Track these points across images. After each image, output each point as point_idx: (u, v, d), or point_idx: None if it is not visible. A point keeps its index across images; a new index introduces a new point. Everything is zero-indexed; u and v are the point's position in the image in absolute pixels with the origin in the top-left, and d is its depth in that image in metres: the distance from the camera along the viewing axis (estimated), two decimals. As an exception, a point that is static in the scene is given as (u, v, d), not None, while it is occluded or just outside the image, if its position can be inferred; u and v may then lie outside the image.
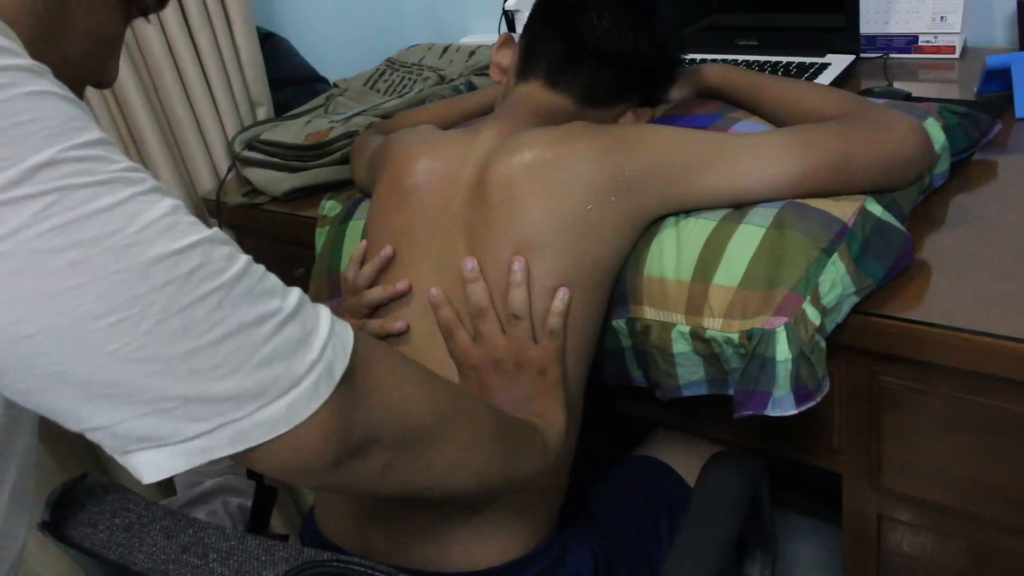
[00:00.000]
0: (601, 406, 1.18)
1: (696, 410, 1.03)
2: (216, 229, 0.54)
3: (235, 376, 0.51)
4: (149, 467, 0.53)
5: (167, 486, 1.59)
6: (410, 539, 0.93)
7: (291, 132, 1.55)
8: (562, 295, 0.90)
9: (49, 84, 0.51)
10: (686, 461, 1.10)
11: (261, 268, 0.56)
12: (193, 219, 0.53)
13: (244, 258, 0.54)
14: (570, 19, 1.04)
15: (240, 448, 0.53)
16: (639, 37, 1.04)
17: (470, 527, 0.91)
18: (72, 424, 0.52)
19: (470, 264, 0.92)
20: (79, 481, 0.76)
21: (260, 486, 1.11)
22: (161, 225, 0.50)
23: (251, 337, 0.52)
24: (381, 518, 0.95)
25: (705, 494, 0.94)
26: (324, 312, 0.58)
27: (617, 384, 1.03)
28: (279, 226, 1.50)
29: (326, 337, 0.56)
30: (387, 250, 0.99)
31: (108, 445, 0.53)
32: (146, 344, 0.49)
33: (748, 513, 0.99)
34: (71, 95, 0.52)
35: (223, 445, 0.52)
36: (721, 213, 0.94)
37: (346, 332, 0.59)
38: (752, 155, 0.92)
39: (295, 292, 0.57)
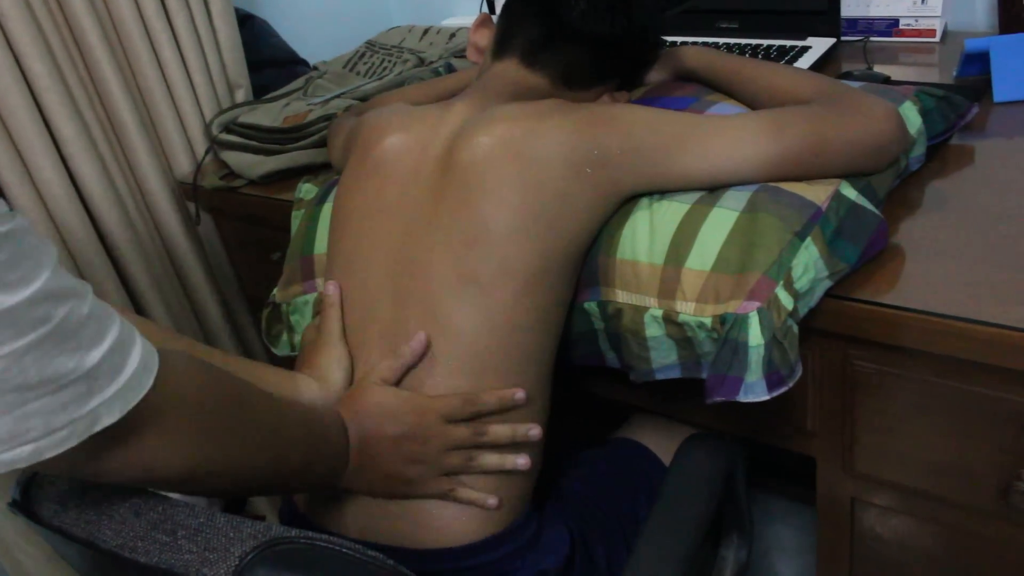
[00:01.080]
0: (580, 391, 1.18)
1: (674, 394, 1.04)
2: (41, 284, 0.54)
3: None
4: None
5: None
6: (386, 517, 0.93)
7: (269, 115, 1.54)
8: (519, 395, 0.92)
9: None
10: (664, 443, 1.11)
11: (79, 319, 0.56)
12: (18, 276, 0.53)
13: (59, 315, 0.55)
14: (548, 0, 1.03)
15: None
16: (616, 19, 1.03)
17: (445, 504, 0.92)
18: None
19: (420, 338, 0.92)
20: (49, 461, 0.76)
21: None
22: None
23: (24, 396, 0.53)
24: (357, 497, 0.95)
25: (678, 474, 0.94)
26: (130, 366, 0.60)
27: (589, 366, 1.04)
28: (256, 209, 1.49)
29: (110, 396, 0.58)
30: (331, 288, 1.01)
31: None
32: None
33: (723, 495, 0.99)
34: None
35: None
36: (695, 196, 0.94)
37: (140, 388, 0.60)
38: (726, 137, 0.92)
39: (102, 347, 0.58)
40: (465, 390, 0.91)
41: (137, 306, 1.60)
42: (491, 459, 0.92)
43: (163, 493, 0.71)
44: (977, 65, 1.26)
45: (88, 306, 0.58)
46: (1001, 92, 1.22)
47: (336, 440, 0.87)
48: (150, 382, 0.61)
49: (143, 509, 0.68)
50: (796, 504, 1.65)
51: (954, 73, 1.31)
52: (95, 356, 0.57)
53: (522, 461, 0.93)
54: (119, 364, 0.59)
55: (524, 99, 0.99)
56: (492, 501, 0.92)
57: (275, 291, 1.23)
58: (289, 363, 1.56)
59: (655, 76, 1.18)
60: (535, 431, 0.93)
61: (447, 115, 1.00)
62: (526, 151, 0.91)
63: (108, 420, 0.58)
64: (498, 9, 1.87)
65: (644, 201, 0.96)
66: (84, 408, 0.57)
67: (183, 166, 1.65)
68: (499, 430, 0.92)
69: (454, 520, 0.92)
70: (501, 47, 1.06)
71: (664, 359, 0.94)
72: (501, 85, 1.03)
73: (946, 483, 0.95)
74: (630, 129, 0.93)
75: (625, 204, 0.96)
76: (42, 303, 0.54)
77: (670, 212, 0.93)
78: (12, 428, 0.54)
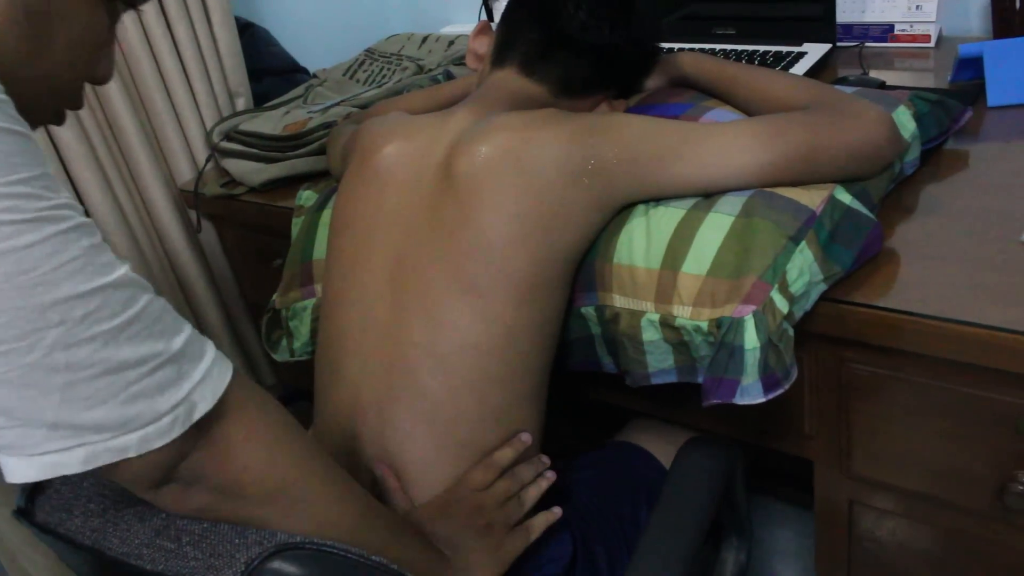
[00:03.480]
0: (579, 396, 1.19)
1: (672, 398, 1.05)
2: (125, 271, 0.58)
3: (102, 408, 0.56)
4: (9, 470, 0.57)
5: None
6: None
7: (269, 123, 1.55)
8: (556, 510, 0.96)
9: None
10: (663, 447, 1.11)
11: (159, 307, 0.61)
12: (106, 260, 0.57)
13: (143, 300, 0.59)
14: (548, 9, 1.04)
15: (89, 467, 0.57)
16: (615, 29, 1.04)
17: None
18: None
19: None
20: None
21: None
22: (71, 268, 0.55)
23: (125, 376, 0.57)
24: None
25: (678, 478, 0.95)
26: (209, 353, 0.63)
27: (585, 371, 1.04)
28: (257, 217, 1.50)
29: (198, 380, 0.61)
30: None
31: None
32: (28, 374, 0.53)
33: (723, 498, 1.00)
34: (20, 127, 0.56)
35: (75, 463, 0.57)
36: (690, 202, 0.95)
37: (222, 377, 0.64)
38: (721, 145, 0.93)
39: (184, 334, 0.62)
40: (467, 398, 0.92)
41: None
42: (532, 493, 0.96)
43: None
44: (971, 70, 1.27)
45: (162, 301, 0.62)
46: (995, 96, 1.23)
47: (415, 536, 0.87)
48: (230, 369, 0.65)
49: (147, 515, 0.69)
50: (795, 508, 1.66)
51: (948, 78, 1.31)
52: (179, 341, 0.61)
53: (550, 474, 0.98)
54: (200, 351, 0.63)
55: (523, 108, 1.00)
56: (557, 510, 0.96)
57: (275, 297, 1.24)
58: (289, 369, 1.57)
59: (652, 82, 1.19)
60: (526, 436, 0.96)
61: (446, 124, 1.00)
62: (524, 161, 0.92)
63: (204, 406, 0.62)
64: (497, 17, 1.88)
65: (640, 207, 0.97)
66: (181, 391, 0.60)
67: (184, 174, 1.66)
68: (522, 471, 0.96)
69: None
70: (500, 55, 1.07)
71: (661, 363, 0.95)
72: (500, 94, 1.04)
73: (942, 485, 0.96)
74: (626, 138, 0.93)
75: (622, 210, 0.97)
76: (128, 287, 0.58)
77: (666, 217, 0.94)
78: (121, 412, 0.57)
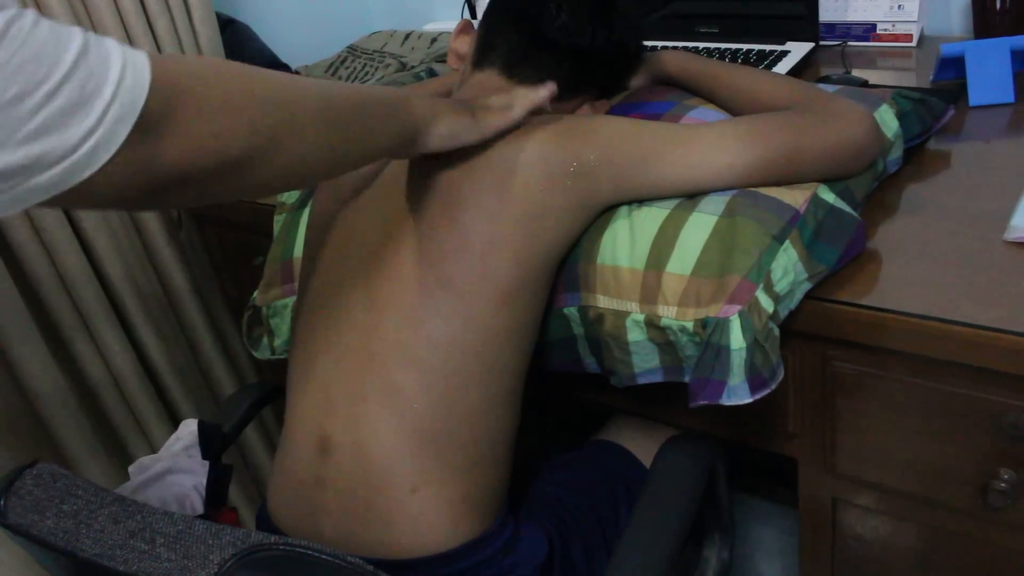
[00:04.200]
0: (560, 394, 1.18)
1: (654, 396, 1.04)
2: None
3: (2, 155, 0.50)
4: None
5: (120, 470, 1.59)
6: (359, 528, 0.93)
7: (251, 119, 1.54)
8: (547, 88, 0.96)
9: None
10: (644, 445, 1.11)
11: (28, 23, 0.51)
12: None
13: (3, 17, 0.50)
14: (529, 10, 1.03)
15: (18, 209, 0.52)
16: (597, 31, 1.03)
17: (417, 513, 0.91)
18: None
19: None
20: (27, 468, 0.76)
21: (214, 465, 1.11)
22: None
23: (10, 115, 0.50)
24: (329, 510, 0.95)
25: (659, 476, 0.94)
26: (115, 60, 0.55)
27: (567, 372, 1.04)
28: (238, 214, 1.49)
29: (112, 91, 0.54)
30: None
31: None
32: None
33: (705, 496, 1.00)
34: None
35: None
36: (674, 202, 0.94)
37: (139, 81, 0.56)
38: (704, 146, 0.93)
39: (72, 47, 0.53)
40: (439, 394, 0.91)
41: (118, 310, 1.60)
42: (521, 100, 0.95)
43: (140, 501, 0.71)
44: (953, 69, 1.27)
45: (32, 14, 0.52)
46: (976, 96, 1.23)
47: (375, 88, 0.84)
48: (147, 70, 0.57)
49: (121, 517, 0.68)
50: (780, 506, 1.66)
51: (930, 77, 1.32)
52: (68, 58, 0.52)
53: (546, 88, 0.97)
54: (102, 60, 0.54)
55: None
56: (545, 89, 0.96)
57: (255, 294, 1.23)
58: (270, 366, 1.56)
59: (635, 81, 1.19)
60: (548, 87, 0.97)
61: None
62: (506, 163, 0.91)
63: (128, 122, 0.55)
64: (479, 15, 1.88)
65: (624, 208, 0.96)
66: (91, 115, 0.53)
67: (164, 171, 1.64)
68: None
69: (428, 528, 0.92)
70: (481, 56, 1.06)
71: (646, 363, 0.95)
72: (481, 95, 1.03)
73: (926, 483, 0.96)
74: (608, 140, 0.93)
75: (605, 211, 0.97)
76: None
77: (650, 218, 0.93)
78: (24, 154, 0.51)
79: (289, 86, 0.70)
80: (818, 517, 1.08)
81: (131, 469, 1.08)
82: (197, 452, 1.11)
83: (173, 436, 1.13)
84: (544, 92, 0.95)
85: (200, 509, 1.07)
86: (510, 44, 1.04)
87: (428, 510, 0.92)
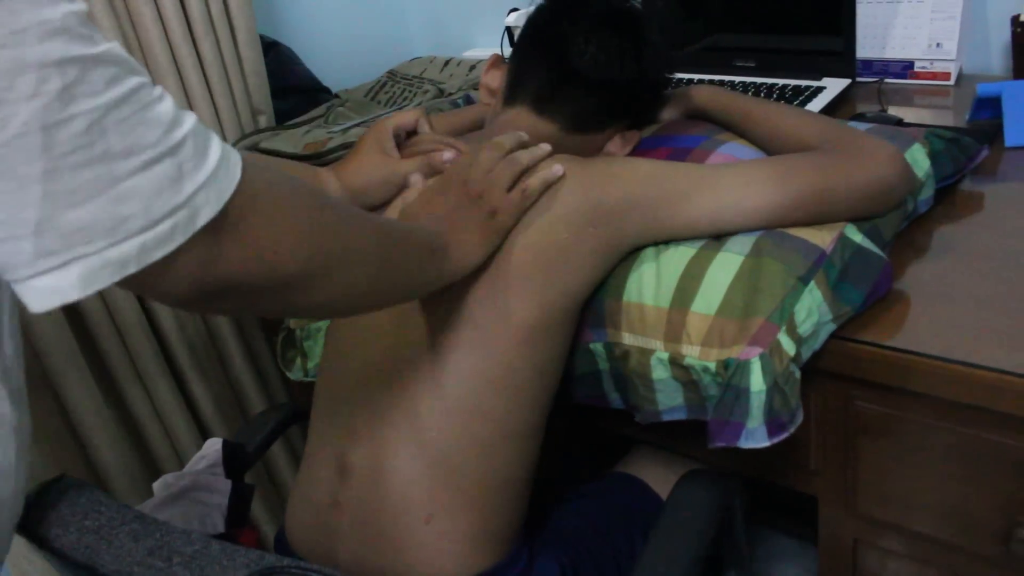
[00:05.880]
0: (582, 424, 1.18)
1: (675, 429, 1.04)
2: (112, 46, 0.51)
3: (89, 206, 0.50)
4: (25, 297, 0.52)
5: (148, 484, 1.61)
6: (373, 554, 0.94)
7: (290, 141, 1.56)
8: (557, 169, 0.95)
9: None
10: (664, 479, 1.11)
11: (153, 94, 0.53)
12: (86, 32, 0.50)
13: (132, 81, 0.52)
14: (557, 44, 1.04)
15: (89, 290, 0.51)
16: (626, 63, 1.04)
17: (431, 542, 0.92)
18: None
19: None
20: (53, 483, 0.77)
21: (236, 484, 1.12)
22: (42, 31, 0.47)
23: (113, 168, 0.50)
24: (344, 534, 0.96)
25: (674, 511, 0.94)
26: (215, 151, 0.56)
27: (592, 405, 1.04)
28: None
29: (202, 182, 0.55)
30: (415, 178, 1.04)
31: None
32: (3, 156, 0.47)
33: (721, 532, 0.99)
34: None
35: (72, 287, 0.51)
36: (701, 241, 0.95)
37: (230, 176, 0.57)
38: (731, 188, 0.93)
39: (184, 126, 0.55)
40: (460, 425, 0.92)
41: (155, 329, 1.62)
42: (533, 183, 0.94)
43: (160, 520, 0.72)
44: (989, 109, 1.26)
45: (160, 89, 0.55)
46: (1012, 136, 1.22)
47: (420, 229, 0.86)
48: (239, 168, 0.58)
49: (142, 534, 0.69)
50: (800, 542, 1.64)
51: (967, 116, 1.31)
52: (178, 134, 0.54)
53: (558, 168, 0.95)
54: (203, 146, 0.56)
55: None
56: (558, 168, 0.95)
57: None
58: (301, 388, 1.58)
59: (667, 114, 1.19)
60: (558, 168, 0.96)
61: (458, 164, 1.01)
62: (531, 208, 0.93)
63: (208, 212, 0.55)
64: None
65: (651, 246, 0.97)
66: (180, 194, 0.53)
67: (204, 190, 1.67)
68: (521, 154, 0.97)
69: (441, 558, 0.92)
70: (512, 93, 1.07)
71: (671, 401, 0.95)
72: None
73: (948, 528, 0.94)
74: (634, 182, 0.94)
75: (630, 253, 0.98)
76: (115, 64, 0.51)
77: (676, 256, 0.94)
78: (112, 212, 0.50)
79: (350, 220, 0.72)
80: (839, 558, 1.07)
81: (155, 486, 1.10)
82: (221, 470, 1.12)
83: (198, 454, 1.15)
84: (559, 170, 0.96)
85: (221, 527, 1.08)
86: (540, 80, 1.04)
87: (442, 540, 0.92)
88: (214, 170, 0.56)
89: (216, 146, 0.57)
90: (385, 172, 1.07)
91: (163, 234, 0.53)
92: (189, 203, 0.54)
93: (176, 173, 0.53)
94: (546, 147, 0.98)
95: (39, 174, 0.48)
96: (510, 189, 0.93)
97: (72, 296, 0.51)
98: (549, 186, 0.94)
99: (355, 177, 1.08)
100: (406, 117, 1.12)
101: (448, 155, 1.03)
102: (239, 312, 0.65)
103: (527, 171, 0.95)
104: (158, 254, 0.53)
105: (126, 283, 0.53)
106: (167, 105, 0.54)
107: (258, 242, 0.60)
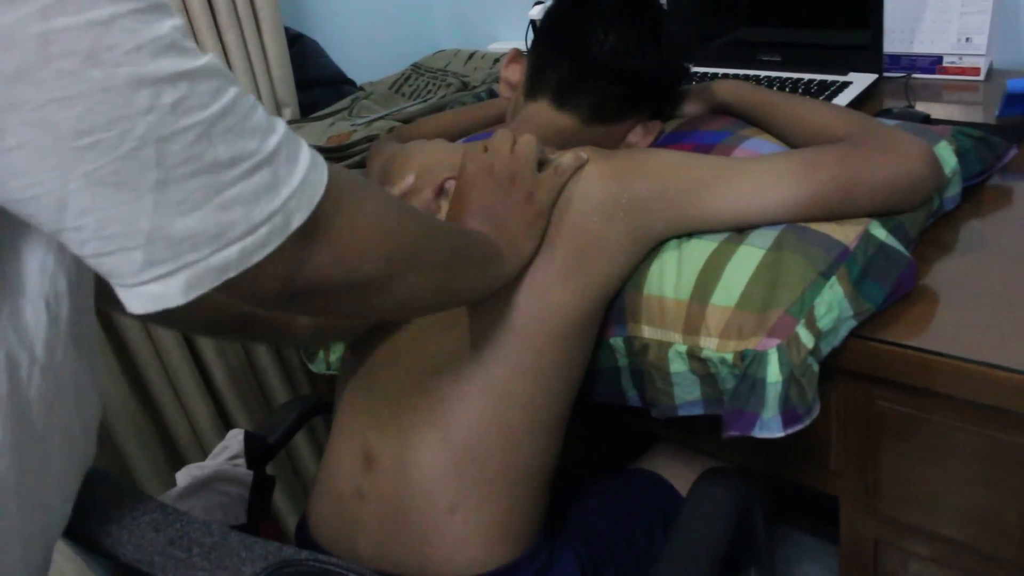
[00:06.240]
0: (604, 419, 1.18)
1: (696, 426, 1.03)
2: (210, 57, 0.53)
3: (197, 214, 0.52)
4: (128, 301, 0.54)
5: (168, 475, 1.62)
6: (395, 545, 0.94)
7: (314, 134, 1.57)
8: (583, 155, 0.94)
9: None
10: (684, 475, 1.10)
11: (249, 103, 0.55)
12: (190, 46, 0.52)
13: (232, 92, 0.54)
14: (576, 36, 1.04)
15: (192, 295, 0.53)
16: (646, 53, 1.04)
17: (454, 534, 0.92)
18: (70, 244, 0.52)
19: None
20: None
21: (258, 475, 1.13)
22: (155, 47, 0.49)
23: (219, 177, 0.52)
24: (367, 525, 0.96)
25: (692, 509, 0.94)
26: (304, 157, 0.58)
27: (610, 402, 1.04)
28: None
29: (295, 187, 0.56)
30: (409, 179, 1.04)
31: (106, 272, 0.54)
32: (120, 169, 0.49)
33: (740, 531, 0.99)
34: None
35: (177, 293, 0.53)
36: (723, 235, 0.94)
37: (318, 181, 0.59)
38: (755, 180, 0.92)
39: (278, 133, 0.57)
40: (488, 414, 0.92)
41: (178, 317, 1.64)
42: (567, 158, 0.95)
43: (181, 510, 0.73)
44: (1019, 105, 1.24)
45: (252, 98, 0.57)
46: (1043, 134, 1.20)
47: (477, 237, 0.88)
48: (325, 173, 0.60)
49: (162, 525, 0.70)
50: (821, 540, 1.63)
51: (996, 113, 1.29)
52: (273, 141, 0.56)
53: (584, 154, 0.96)
54: (295, 153, 0.58)
55: (555, 142, 1.01)
56: (583, 154, 0.95)
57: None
58: (324, 380, 1.58)
59: (691, 108, 1.19)
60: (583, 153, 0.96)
61: None
62: (560, 198, 0.93)
63: (300, 217, 0.57)
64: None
65: (673, 239, 0.97)
66: (277, 199, 0.55)
67: (229, 181, 1.68)
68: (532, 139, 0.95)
69: (464, 550, 0.92)
70: (532, 87, 1.07)
71: (688, 395, 0.94)
72: (532, 129, 1.04)
73: (971, 531, 0.93)
74: (658, 174, 0.94)
75: (656, 247, 0.97)
76: (216, 76, 0.53)
77: (698, 249, 0.93)
78: (217, 220, 0.52)
79: (424, 227, 0.74)
80: (859, 559, 1.06)
81: (178, 476, 1.11)
82: (243, 461, 1.13)
83: (220, 445, 1.16)
84: (584, 156, 0.96)
85: (243, 518, 1.09)
86: (560, 74, 1.04)
87: (466, 531, 0.92)
88: (305, 175, 0.57)
89: (305, 152, 0.59)
90: None
91: (261, 239, 0.55)
92: (284, 208, 0.56)
93: (273, 179, 0.55)
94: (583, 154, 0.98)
95: (152, 185, 0.50)
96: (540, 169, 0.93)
97: (175, 302, 0.53)
98: (581, 165, 0.94)
99: None
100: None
101: (448, 184, 1.02)
102: (320, 311, 0.67)
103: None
104: (256, 258, 0.55)
105: (220, 286, 0.55)
106: (261, 113, 0.56)
107: (343, 244, 0.62)
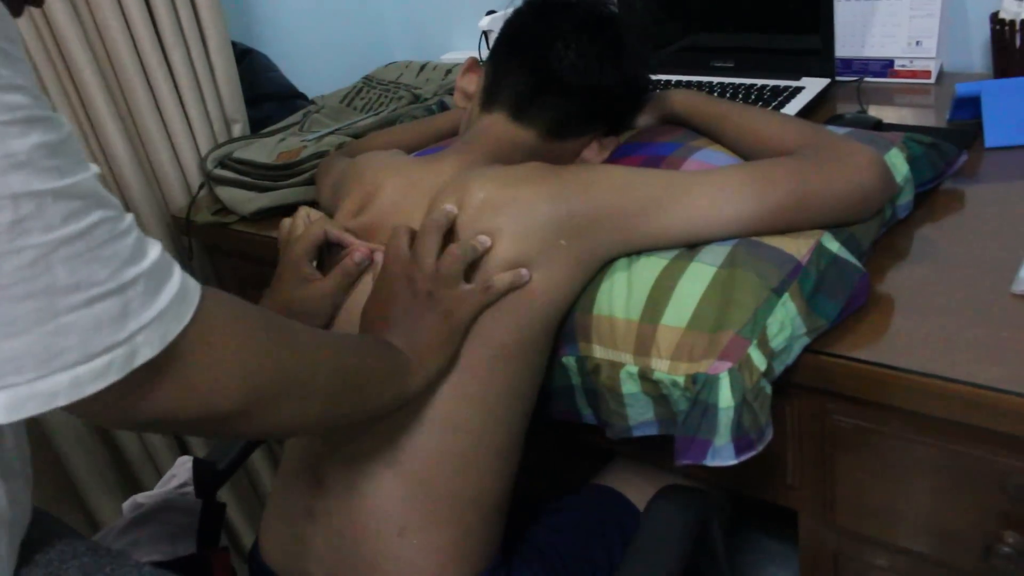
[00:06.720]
0: (562, 435, 1.16)
1: (653, 441, 1.02)
2: (84, 177, 0.52)
3: (24, 337, 0.50)
4: None
5: (121, 501, 1.59)
6: (344, 567, 0.93)
7: (264, 151, 1.54)
8: (524, 272, 0.89)
9: None
10: (642, 491, 1.08)
11: (117, 229, 0.54)
12: (57, 164, 0.51)
13: (94, 216, 0.52)
14: (536, 49, 1.02)
15: (14, 417, 0.51)
16: (605, 69, 1.02)
17: (405, 558, 0.90)
18: None
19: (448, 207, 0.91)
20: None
21: (207, 503, 1.10)
22: (7, 164, 0.48)
23: (55, 303, 0.50)
24: (317, 548, 0.94)
25: (649, 527, 0.93)
26: (169, 291, 0.56)
27: (567, 420, 1.02)
28: (249, 246, 1.49)
29: (146, 321, 0.54)
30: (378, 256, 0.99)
31: None
32: None
33: (699, 547, 0.98)
34: None
35: None
36: (674, 251, 0.93)
37: (180, 316, 0.57)
38: (707, 196, 0.91)
39: (142, 264, 0.55)
40: (436, 439, 0.90)
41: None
42: (503, 278, 0.89)
43: (116, 550, 0.70)
44: (969, 109, 1.24)
45: (126, 224, 0.55)
46: (992, 137, 1.20)
47: (381, 350, 0.85)
48: (190, 314, 0.58)
49: (92, 570, 0.67)
50: (789, 546, 1.63)
51: (946, 116, 1.29)
52: (130, 272, 0.54)
53: (523, 271, 0.89)
54: (158, 285, 0.56)
55: (509, 156, 0.99)
56: (524, 271, 0.89)
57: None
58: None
59: (642, 120, 1.17)
60: (525, 273, 0.90)
61: (432, 174, 0.99)
62: (505, 217, 0.90)
63: (148, 353, 0.55)
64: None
65: (623, 258, 0.95)
66: (122, 332, 0.53)
67: (178, 200, 1.65)
68: (466, 241, 0.90)
69: (416, 571, 0.91)
70: (489, 99, 1.05)
71: (641, 416, 0.93)
72: (487, 141, 1.02)
73: (929, 542, 0.93)
74: (607, 191, 0.92)
75: (605, 265, 0.96)
76: (79, 198, 0.51)
77: (648, 267, 0.92)
78: (47, 344, 0.50)
79: (306, 359, 0.72)
80: (820, 570, 1.05)
81: (125, 506, 1.08)
82: (191, 490, 1.10)
83: (168, 473, 1.13)
84: (526, 274, 0.90)
85: (192, 548, 1.07)
86: (518, 86, 1.02)
87: (415, 554, 0.90)
88: (162, 311, 0.56)
89: (173, 286, 0.57)
90: (312, 297, 0.98)
91: (98, 369, 0.53)
92: (129, 341, 0.54)
93: (120, 311, 0.53)
94: (485, 239, 0.90)
95: None
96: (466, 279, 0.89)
97: None
98: (515, 288, 0.90)
99: (290, 309, 0.99)
100: (312, 233, 1.01)
101: (358, 256, 0.96)
102: (179, 434, 0.66)
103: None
104: (90, 389, 0.53)
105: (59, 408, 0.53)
106: (129, 241, 0.54)
107: (197, 382, 0.60)
